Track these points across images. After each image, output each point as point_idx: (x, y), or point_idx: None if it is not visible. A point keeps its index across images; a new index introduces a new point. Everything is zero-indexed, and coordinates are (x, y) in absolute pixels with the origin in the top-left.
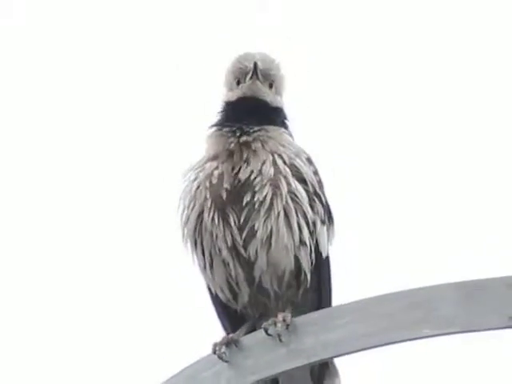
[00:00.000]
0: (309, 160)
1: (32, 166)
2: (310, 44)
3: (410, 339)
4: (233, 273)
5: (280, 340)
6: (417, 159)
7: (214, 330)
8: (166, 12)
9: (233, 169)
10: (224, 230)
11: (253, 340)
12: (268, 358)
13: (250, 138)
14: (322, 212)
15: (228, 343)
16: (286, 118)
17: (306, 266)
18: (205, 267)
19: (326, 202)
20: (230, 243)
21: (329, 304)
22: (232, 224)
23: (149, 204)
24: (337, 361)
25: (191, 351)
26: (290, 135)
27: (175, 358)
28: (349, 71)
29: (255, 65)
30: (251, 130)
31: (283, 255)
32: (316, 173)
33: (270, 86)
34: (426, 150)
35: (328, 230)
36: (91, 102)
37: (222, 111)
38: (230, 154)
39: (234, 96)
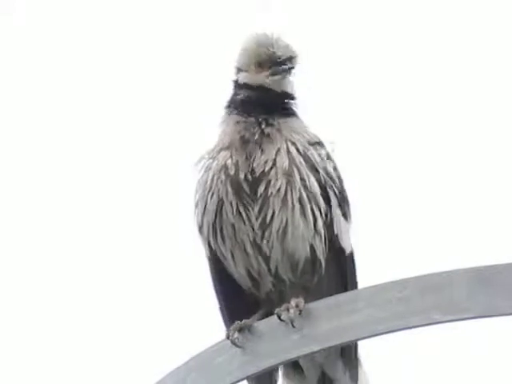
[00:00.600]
0: (328, 156)
1: (32, 165)
2: (312, 44)
3: (425, 324)
4: (254, 264)
5: (293, 326)
6: (429, 147)
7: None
8: (167, 12)
9: (247, 158)
10: (245, 223)
11: (266, 326)
12: (281, 344)
13: (273, 130)
14: (341, 204)
15: (241, 329)
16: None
17: (321, 254)
18: (225, 257)
19: (346, 196)
20: (251, 237)
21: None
22: (252, 217)
23: (149, 201)
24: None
25: (206, 337)
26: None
27: (189, 345)
28: (351, 70)
29: (290, 65)
30: (275, 122)
31: (299, 245)
32: (335, 168)
33: (291, 70)
34: (437, 137)
35: (348, 223)
36: (91, 101)
37: (238, 93)
38: (246, 142)
39: (256, 81)
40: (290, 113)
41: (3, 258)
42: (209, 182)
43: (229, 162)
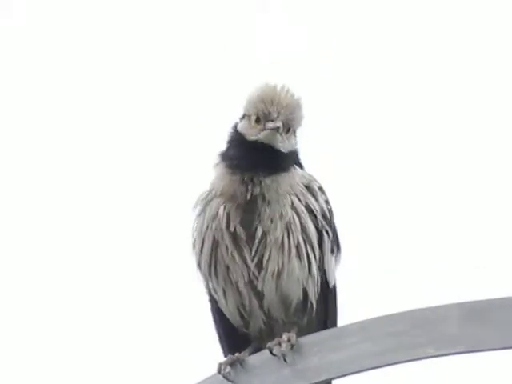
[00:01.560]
0: (320, 189)
1: (32, 165)
2: (311, 44)
3: (415, 359)
4: (247, 303)
5: (285, 360)
6: (416, 171)
7: (219, 351)
8: (167, 12)
9: (240, 210)
10: (240, 264)
11: (258, 360)
12: (273, 378)
13: (259, 190)
14: (331, 242)
15: (233, 363)
16: (297, 157)
17: (313, 296)
18: (218, 294)
19: (335, 230)
20: (246, 277)
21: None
22: (248, 259)
23: (149, 202)
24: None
25: (197, 371)
26: (300, 166)
27: (180, 378)
28: (351, 71)
29: (279, 124)
30: (262, 182)
31: (293, 288)
32: (327, 202)
33: (288, 130)
34: (423, 170)
35: (336, 258)
36: (91, 101)
37: (233, 142)
38: (238, 198)
39: (249, 135)
40: (282, 167)
41: (3, 258)
42: (205, 226)
43: (220, 211)
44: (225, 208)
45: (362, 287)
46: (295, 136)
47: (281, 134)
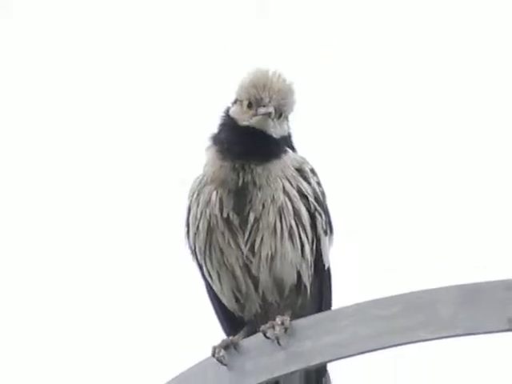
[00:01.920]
0: (312, 171)
1: (32, 165)
2: (309, 49)
3: (410, 342)
4: (243, 287)
5: (278, 343)
6: (415, 161)
7: (214, 333)
8: (166, 15)
9: (233, 195)
10: (234, 248)
11: (252, 343)
12: (267, 361)
13: (250, 178)
14: (324, 223)
15: (227, 346)
16: (289, 140)
17: (306, 278)
18: (212, 279)
19: (328, 211)
20: (241, 262)
21: (328, 310)
22: (242, 244)
23: (149, 206)
24: (334, 364)
25: (191, 354)
26: (293, 148)
27: (174, 361)
28: (350, 74)
29: (271, 110)
30: (253, 170)
31: (287, 272)
32: (319, 183)
33: (280, 116)
34: (425, 151)
35: (329, 239)
36: (91, 102)
37: (225, 127)
38: (229, 185)
39: (241, 120)
40: (272, 154)
41: (3, 258)
42: (199, 212)
43: (213, 197)
44: (217, 194)
45: (357, 270)
46: (287, 121)
47: (273, 120)
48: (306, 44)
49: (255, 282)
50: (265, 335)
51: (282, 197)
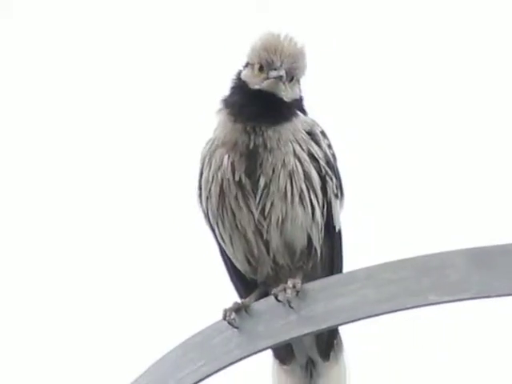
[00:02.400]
0: (323, 133)
1: (32, 165)
2: (310, 45)
3: (421, 305)
4: (255, 250)
5: (290, 306)
6: (430, 126)
7: (225, 297)
8: (166, 12)
9: (245, 159)
10: (246, 212)
11: (263, 306)
12: (279, 324)
13: (261, 141)
14: (335, 187)
15: (238, 309)
16: (301, 103)
17: (317, 241)
18: (225, 242)
19: (339, 174)
20: (253, 225)
21: (340, 272)
22: (253, 207)
23: (149, 201)
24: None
25: (202, 317)
26: (304, 112)
27: (185, 325)
28: (351, 70)
29: (282, 73)
30: (264, 132)
31: (298, 235)
32: (330, 146)
33: (291, 79)
34: (434, 128)
35: (340, 202)
36: (91, 101)
37: (236, 90)
38: (240, 147)
39: (253, 84)
40: (283, 118)
41: (3, 258)
42: (210, 176)
43: (225, 161)
44: (229, 157)
45: (367, 234)
46: (299, 84)
47: (284, 83)
48: (307, 40)
49: (267, 245)
50: (276, 298)
51: (292, 160)
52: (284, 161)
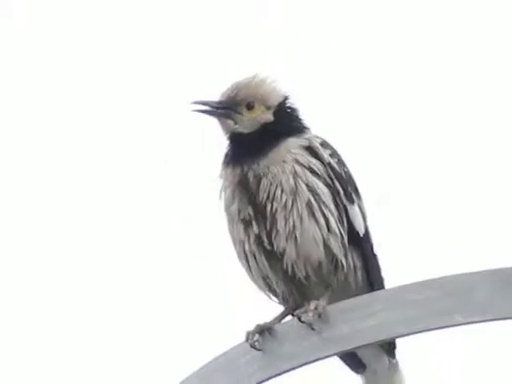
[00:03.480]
0: (323, 144)
1: (32, 165)
2: (309, 50)
3: (445, 326)
4: (270, 274)
5: (312, 328)
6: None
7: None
8: (166, 15)
9: (251, 193)
10: (255, 241)
11: (286, 328)
12: (302, 346)
13: (259, 172)
14: (347, 192)
15: (261, 331)
16: (293, 123)
17: (339, 252)
18: (244, 268)
19: (350, 178)
20: (263, 251)
21: (380, 281)
22: (262, 234)
23: (149, 201)
24: None
25: (227, 339)
26: (299, 129)
27: (209, 347)
28: (348, 72)
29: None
30: (257, 167)
31: (312, 248)
32: (333, 154)
33: (251, 107)
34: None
35: (360, 206)
36: (91, 101)
37: (228, 142)
38: (244, 183)
39: (227, 130)
40: (268, 147)
41: (3, 258)
42: (223, 209)
43: (230, 197)
44: (233, 197)
45: (390, 254)
46: (268, 110)
47: (233, 119)
48: (306, 44)
49: (281, 265)
50: (299, 320)
51: (291, 179)
52: (281, 182)
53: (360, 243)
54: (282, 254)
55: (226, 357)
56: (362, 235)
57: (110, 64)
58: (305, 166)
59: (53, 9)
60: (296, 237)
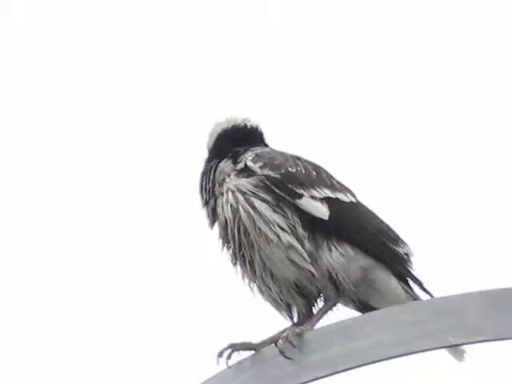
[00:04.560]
0: (254, 159)
1: (32, 165)
2: (309, 50)
3: (437, 348)
4: (271, 298)
5: (285, 356)
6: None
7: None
8: (166, 15)
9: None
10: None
11: (271, 351)
12: (289, 369)
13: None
14: (287, 190)
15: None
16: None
17: (304, 263)
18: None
19: (296, 174)
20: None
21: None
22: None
23: (150, 201)
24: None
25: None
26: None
27: (200, 368)
28: (350, 73)
29: None
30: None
31: (283, 266)
32: (263, 166)
33: None
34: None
35: (313, 196)
36: (91, 101)
37: None
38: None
39: None
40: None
41: (3, 258)
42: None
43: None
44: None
45: None
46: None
47: None
48: (306, 44)
49: (274, 288)
50: (276, 345)
51: (227, 208)
52: (226, 212)
53: (331, 225)
54: (270, 288)
55: (215, 380)
56: (325, 218)
57: (109, 64)
58: (239, 190)
59: (53, 9)
60: (266, 266)
